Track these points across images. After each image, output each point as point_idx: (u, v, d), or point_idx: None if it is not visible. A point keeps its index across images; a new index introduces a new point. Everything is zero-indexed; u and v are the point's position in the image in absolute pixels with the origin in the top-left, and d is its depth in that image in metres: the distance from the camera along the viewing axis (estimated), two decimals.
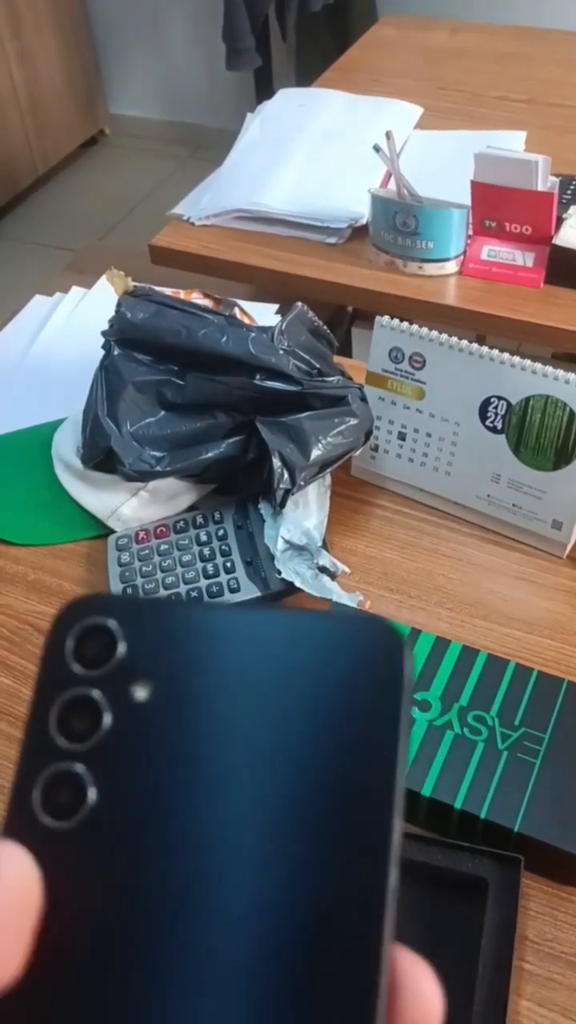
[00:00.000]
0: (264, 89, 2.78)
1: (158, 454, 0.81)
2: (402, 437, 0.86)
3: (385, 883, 0.19)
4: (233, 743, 0.21)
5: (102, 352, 0.86)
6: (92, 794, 0.21)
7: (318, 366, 0.82)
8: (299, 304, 0.84)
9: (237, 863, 0.20)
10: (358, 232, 1.23)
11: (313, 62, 2.65)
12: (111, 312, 0.85)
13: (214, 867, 0.20)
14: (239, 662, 0.22)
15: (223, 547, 0.81)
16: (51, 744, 0.22)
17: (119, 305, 0.84)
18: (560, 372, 0.76)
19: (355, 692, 0.21)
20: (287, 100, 1.54)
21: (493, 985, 0.55)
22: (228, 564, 0.79)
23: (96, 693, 0.22)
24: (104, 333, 0.85)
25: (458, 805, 0.61)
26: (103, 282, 1.15)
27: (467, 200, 1.14)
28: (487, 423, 0.81)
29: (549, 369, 0.77)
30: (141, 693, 0.22)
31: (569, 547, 0.82)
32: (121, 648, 0.22)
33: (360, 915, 0.19)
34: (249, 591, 0.77)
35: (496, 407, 0.80)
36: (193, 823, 0.21)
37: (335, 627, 0.22)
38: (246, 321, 0.88)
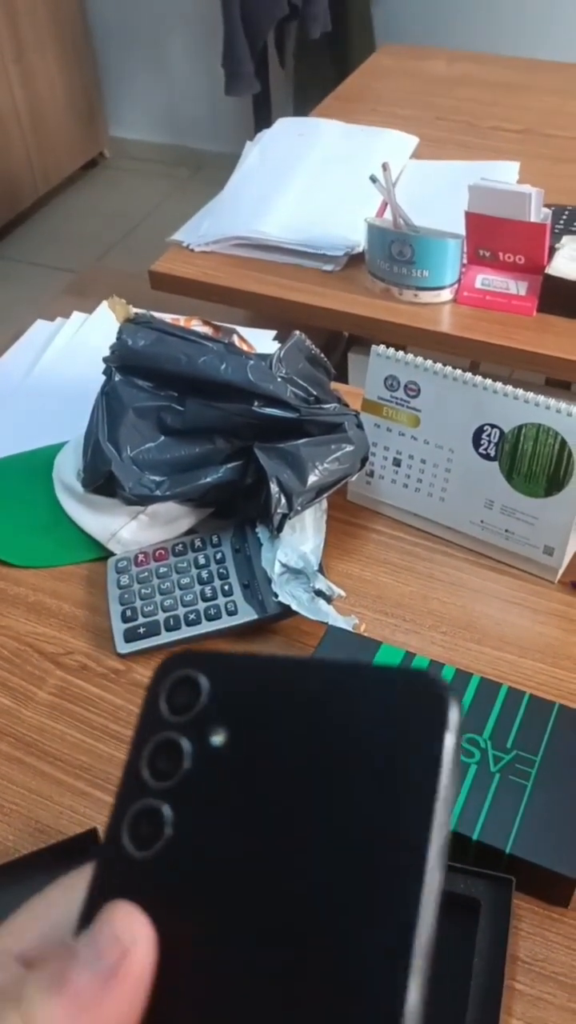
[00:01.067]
0: (262, 114, 2.82)
1: (158, 478, 0.83)
2: (397, 463, 0.88)
3: (411, 935, 0.20)
4: (289, 789, 0.23)
5: (103, 377, 0.87)
6: (168, 828, 0.24)
7: (315, 393, 0.84)
8: (297, 333, 0.86)
9: (279, 905, 0.22)
10: (354, 260, 1.25)
11: (311, 88, 2.69)
12: (112, 337, 0.86)
13: (258, 903, 0.22)
14: (301, 713, 0.24)
15: (221, 570, 0.82)
16: (141, 780, 0.24)
17: (120, 332, 0.86)
18: (552, 401, 0.78)
19: (399, 744, 0.22)
20: (286, 129, 1.57)
21: (485, 1005, 0.56)
22: (226, 587, 0.81)
23: (180, 737, 0.24)
24: (105, 359, 0.86)
25: (451, 827, 0.62)
26: (104, 308, 1.17)
27: (462, 230, 1.16)
28: (480, 450, 0.83)
29: (541, 398, 0.78)
30: (217, 739, 0.24)
31: (560, 572, 0.84)
32: (204, 698, 0.25)
33: (383, 965, 0.21)
34: (246, 614, 0.79)
35: (489, 435, 0.82)
36: (245, 861, 0.23)
37: (385, 680, 0.23)
38: (245, 348, 0.90)
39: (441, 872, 0.21)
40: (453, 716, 0.22)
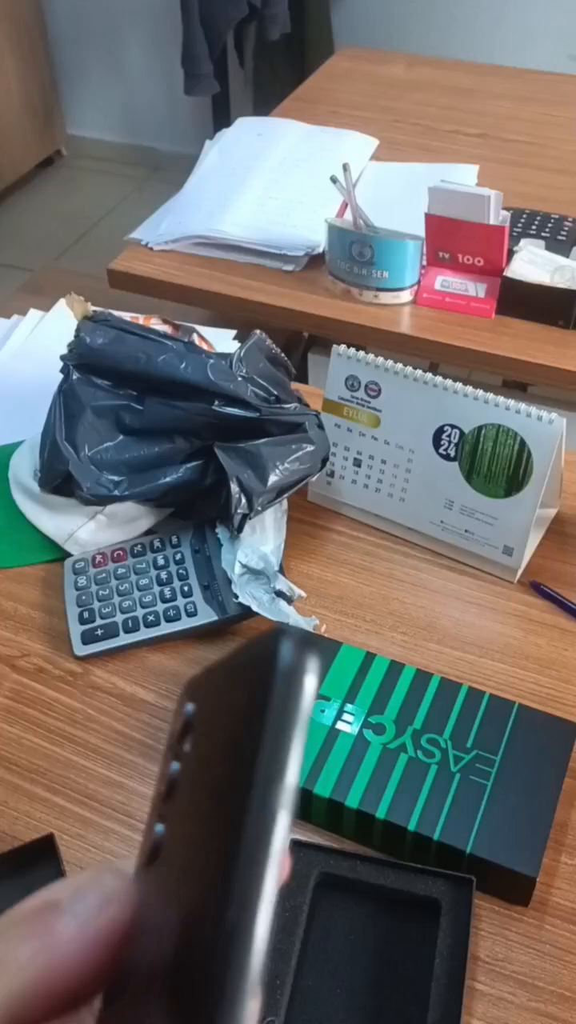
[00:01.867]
0: (221, 115, 2.81)
1: (116, 478, 0.82)
2: (357, 464, 0.88)
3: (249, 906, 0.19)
4: (211, 782, 0.23)
5: (60, 376, 0.86)
6: (160, 844, 0.24)
7: (276, 393, 0.83)
8: (257, 332, 0.85)
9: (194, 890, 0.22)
10: (315, 260, 1.25)
11: (270, 90, 2.69)
12: (69, 336, 0.85)
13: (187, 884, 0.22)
14: (223, 705, 0.23)
15: (180, 571, 0.81)
16: (156, 807, 0.25)
17: (78, 330, 0.85)
18: (512, 402, 0.78)
19: (257, 703, 0.21)
20: (245, 128, 1.56)
21: (446, 1005, 0.56)
22: (185, 588, 0.80)
23: (173, 761, 0.25)
24: (63, 357, 0.85)
25: (412, 827, 0.62)
26: (61, 305, 1.16)
27: (421, 231, 1.16)
28: (440, 451, 0.83)
29: (501, 399, 0.79)
30: (186, 747, 0.25)
31: (520, 572, 0.84)
32: (188, 720, 0.25)
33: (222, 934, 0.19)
34: (206, 615, 0.78)
35: (449, 435, 0.82)
36: (186, 843, 0.23)
37: (260, 646, 0.22)
38: (204, 347, 0.89)
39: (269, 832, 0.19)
40: (282, 660, 0.20)
